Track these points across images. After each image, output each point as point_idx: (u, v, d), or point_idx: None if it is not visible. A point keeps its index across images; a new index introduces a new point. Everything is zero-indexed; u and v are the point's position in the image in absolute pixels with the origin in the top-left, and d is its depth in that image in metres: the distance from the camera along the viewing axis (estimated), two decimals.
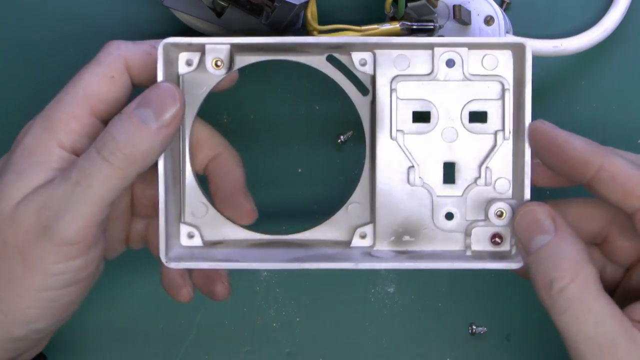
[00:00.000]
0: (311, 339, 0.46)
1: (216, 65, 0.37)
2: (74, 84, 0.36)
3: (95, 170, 0.33)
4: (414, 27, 0.43)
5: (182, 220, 0.39)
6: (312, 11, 0.42)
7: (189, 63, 0.38)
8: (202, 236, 0.38)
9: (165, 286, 0.39)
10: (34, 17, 0.47)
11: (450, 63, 0.37)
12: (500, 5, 0.45)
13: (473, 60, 0.37)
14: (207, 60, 0.37)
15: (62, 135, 0.35)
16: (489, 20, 0.42)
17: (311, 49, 0.38)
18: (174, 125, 0.34)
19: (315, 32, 0.42)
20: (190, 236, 0.38)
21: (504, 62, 0.37)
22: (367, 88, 0.38)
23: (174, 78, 0.38)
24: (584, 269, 0.32)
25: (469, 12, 0.42)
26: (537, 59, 0.45)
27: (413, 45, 0.37)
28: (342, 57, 0.38)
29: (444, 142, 0.37)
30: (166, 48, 0.36)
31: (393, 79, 0.37)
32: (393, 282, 0.46)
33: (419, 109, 0.37)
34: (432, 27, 0.43)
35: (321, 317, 0.46)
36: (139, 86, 0.37)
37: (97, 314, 0.46)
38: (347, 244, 0.38)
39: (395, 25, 0.42)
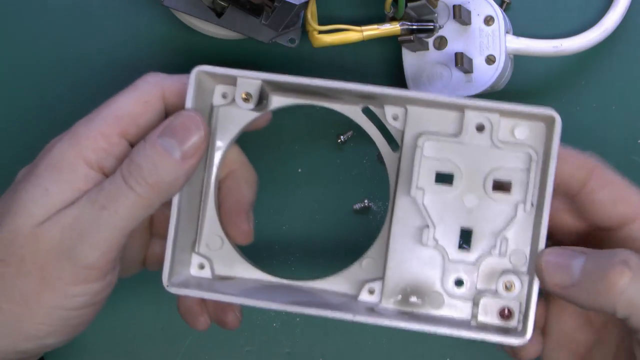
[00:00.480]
0: (311, 339, 0.46)
1: (245, 99, 0.36)
2: (107, 105, 0.36)
3: (121, 197, 0.33)
4: (414, 27, 0.43)
5: (196, 250, 0.38)
6: (312, 11, 0.42)
7: (224, 96, 0.37)
8: (212, 269, 0.38)
9: (182, 313, 0.39)
10: (33, 15, 0.47)
11: (480, 127, 0.36)
12: (500, 5, 0.45)
13: (504, 128, 0.36)
14: (237, 93, 0.36)
15: (89, 152, 0.35)
16: (489, 20, 0.42)
17: (344, 95, 0.37)
18: (198, 156, 0.35)
19: (315, 32, 0.42)
20: (201, 267, 0.38)
21: (535, 133, 0.36)
22: (398, 144, 0.37)
23: (207, 108, 0.37)
24: None
25: (469, 12, 0.42)
26: (537, 59, 0.45)
27: (445, 104, 0.36)
28: (376, 110, 0.37)
29: (464, 207, 0.36)
30: (199, 76, 0.35)
31: (420, 135, 0.36)
32: None
33: (443, 169, 0.36)
34: (432, 27, 0.43)
35: (321, 317, 0.46)
36: (171, 113, 0.36)
37: (97, 314, 0.46)
38: (354, 297, 0.38)
39: (395, 26, 0.43)
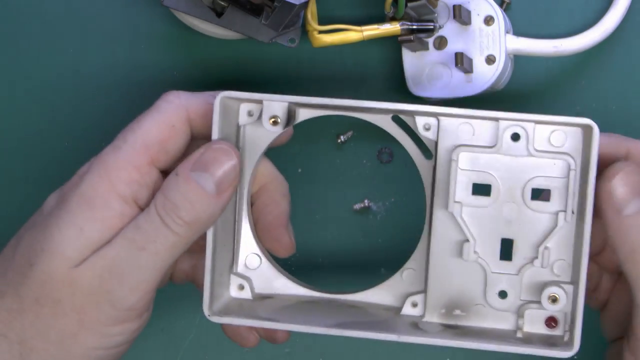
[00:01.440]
0: (311, 339, 0.46)
1: (273, 123, 0.36)
2: (133, 130, 0.35)
3: (160, 237, 0.33)
4: (414, 27, 0.43)
5: (234, 271, 0.38)
6: (312, 11, 0.42)
7: (250, 114, 0.37)
8: (252, 289, 0.38)
9: (230, 335, 0.39)
10: (32, 15, 0.47)
11: (515, 137, 0.35)
12: (500, 5, 0.45)
13: (539, 135, 0.35)
14: (264, 116, 0.36)
15: (122, 186, 0.34)
16: (489, 20, 0.42)
17: (373, 112, 0.37)
18: (232, 188, 0.34)
19: (315, 32, 0.42)
20: (241, 288, 0.38)
21: (572, 140, 0.35)
22: (431, 152, 0.37)
23: (234, 128, 0.37)
24: None
25: (469, 12, 0.42)
26: (537, 59, 0.45)
27: (478, 116, 0.35)
28: (407, 119, 0.37)
29: (503, 218, 0.36)
30: (224, 101, 0.35)
31: (455, 148, 0.36)
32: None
33: (479, 181, 0.36)
34: (432, 27, 0.43)
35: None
36: (198, 138, 0.36)
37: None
38: (397, 310, 0.37)
39: (396, 26, 0.42)
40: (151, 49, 0.46)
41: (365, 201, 0.46)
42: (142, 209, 0.34)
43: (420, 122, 0.36)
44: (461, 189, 0.36)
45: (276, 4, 0.40)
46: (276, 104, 0.35)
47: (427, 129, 0.36)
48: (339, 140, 0.46)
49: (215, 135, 0.35)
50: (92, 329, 0.33)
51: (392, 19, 0.43)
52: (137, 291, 0.33)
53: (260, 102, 0.36)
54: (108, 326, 0.33)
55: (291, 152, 0.46)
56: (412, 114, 0.36)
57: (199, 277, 0.39)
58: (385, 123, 0.37)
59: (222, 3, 0.42)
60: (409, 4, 0.42)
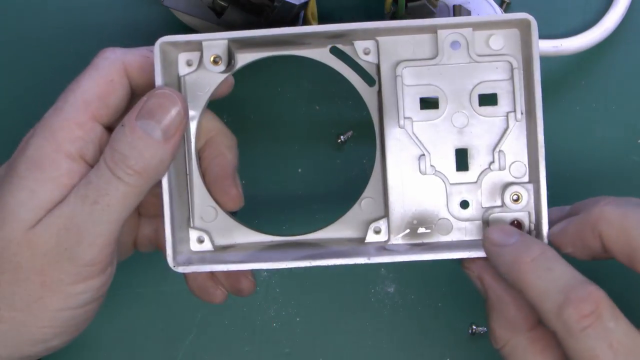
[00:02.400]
0: (311, 339, 0.46)
1: (215, 62, 0.36)
2: (72, 90, 0.35)
3: (111, 189, 0.33)
4: None
5: (191, 225, 0.38)
6: (312, 11, 0.42)
7: (189, 63, 0.37)
8: (212, 241, 0.38)
9: (195, 291, 0.39)
10: (32, 15, 0.47)
11: (455, 45, 0.36)
12: (500, 5, 0.45)
13: (479, 41, 0.36)
14: (205, 57, 0.36)
15: (68, 144, 0.34)
16: None
17: (312, 40, 0.37)
18: (180, 133, 0.34)
19: None
20: (200, 241, 0.38)
21: (510, 41, 0.36)
22: (373, 78, 0.37)
23: (175, 80, 0.37)
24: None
25: (469, 12, 0.42)
26: None
27: (415, 28, 0.36)
28: (345, 48, 0.37)
29: (455, 128, 0.36)
30: (163, 48, 0.35)
31: (397, 64, 0.36)
32: (393, 282, 0.46)
33: (426, 94, 0.36)
34: None
35: (321, 317, 0.46)
36: (138, 91, 0.36)
37: (97, 314, 0.46)
38: (361, 240, 0.38)
39: None
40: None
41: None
42: (91, 165, 0.34)
43: (359, 47, 0.37)
44: (409, 105, 0.36)
45: (276, 4, 0.40)
46: (216, 42, 0.35)
47: (367, 53, 0.37)
48: (339, 140, 0.46)
49: (158, 82, 0.35)
50: (55, 290, 0.33)
51: (392, 18, 0.43)
52: (94, 246, 0.33)
53: (197, 50, 0.36)
54: (71, 284, 0.34)
55: (291, 152, 0.46)
56: (350, 34, 0.36)
57: (162, 241, 0.40)
58: (324, 56, 0.38)
59: (222, 3, 0.42)
60: (409, 4, 0.42)
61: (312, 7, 0.42)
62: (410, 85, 0.36)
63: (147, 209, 0.40)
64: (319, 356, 0.46)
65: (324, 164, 0.46)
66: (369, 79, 0.38)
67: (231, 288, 0.39)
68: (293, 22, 0.43)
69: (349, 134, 0.46)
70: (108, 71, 0.35)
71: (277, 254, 0.37)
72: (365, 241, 0.37)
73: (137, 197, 0.34)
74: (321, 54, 0.38)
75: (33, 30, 0.46)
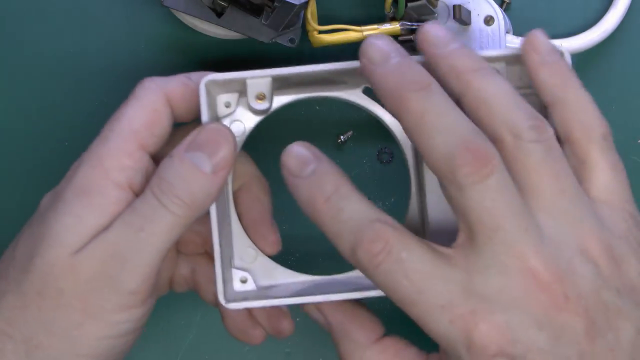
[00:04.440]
0: (311, 339, 0.46)
1: (259, 98, 0.36)
2: (118, 119, 0.35)
3: (157, 217, 0.33)
4: (414, 27, 0.43)
5: (234, 265, 0.37)
6: (312, 11, 0.42)
7: (227, 105, 0.37)
8: (255, 280, 0.37)
9: (233, 332, 0.38)
10: (33, 17, 0.47)
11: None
12: (500, 5, 0.45)
13: (512, 76, 0.36)
14: (250, 93, 0.35)
15: (116, 173, 0.34)
16: (489, 20, 0.42)
17: (349, 78, 0.37)
18: (228, 169, 0.34)
19: (315, 32, 0.42)
20: (243, 281, 0.37)
21: None
22: None
23: (214, 119, 0.37)
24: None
25: (469, 12, 0.42)
26: None
27: None
28: None
29: None
30: (207, 85, 0.35)
31: None
32: None
33: None
34: None
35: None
36: (179, 120, 0.36)
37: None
38: None
39: (396, 26, 0.43)
40: (151, 49, 0.46)
41: None
42: (137, 194, 0.34)
43: None
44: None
45: (276, 4, 0.40)
46: (259, 80, 0.35)
47: None
48: (339, 140, 0.46)
49: (204, 118, 0.35)
50: (96, 317, 0.33)
51: (392, 19, 0.43)
52: (138, 274, 0.33)
53: (235, 91, 0.36)
54: (112, 313, 0.33)
55: None
56: None
57: (202, 280, 0.39)
58: (358, 97, 0.37)
59: (222, 3, 0.42)
60: (409, 4, 0.42)
61: (312, 7, 0.42)
62: None
63: (186, 246, 0.39)
64: (319, 356, 0.46)
65: None
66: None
67: (271, 329, 0.39)
68: (293, 22, 0.43)
69: (349, 134, 0.46)
70: (151, 100, 0.35)
71: (322, 288, 0.36)
72: None
73: (181, 228, 0.33)
74: (355, 95, 0.37)
75: (32, 30, 0.46)
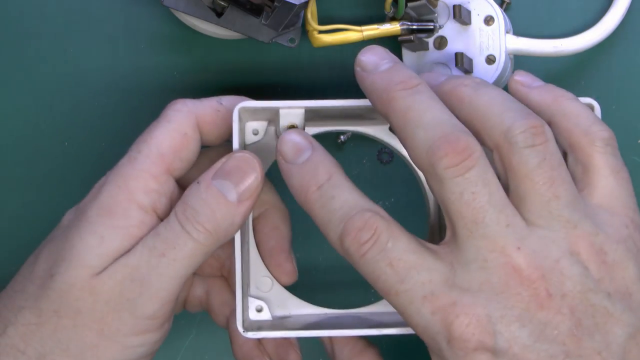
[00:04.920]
0: (311, 339, 0.46)
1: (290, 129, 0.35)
2: (146, 141, 0.35)
3: (180, 244, 0.33)
4: (414, 27, 0.43)
5: (250, 294, 0.37)
6: (312, 11, 0.42)
7: (254, 132, 0.37)
8: (270, 310, 0.37)
9: (240, 357, 0.38)
10: (33, 15, 0.47)
11: None
12: (500, 5, 0.45)
13: None
14: (282, 124, 0.35)
15: (141, 195, 0.34)
16: (489, 20, 0.42)
17: (378, 114, 0.37)
18: (253, 199, 0.34)
19: (315, 32, 0.42)
20: (259, 310, 0.37)
21: None
22: None
23: (242, 147, 0.36)
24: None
25: (469, 12, 0.42)
26: (537, 59, 0.45)
27: None
28: None
29: None
30: (240, 112, 0.34)
31: None
32: None
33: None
34: (432, 27, 0.43)
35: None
36: (207, 144, 0.36)
37: None
38: None
39: (396, 26, 0.43)
40: (151, 49, 0.46)
41: None
42: (161, 218, 0.34)
43: None
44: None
45: (276, 4, 0.40)
46: (293, 111, 0.35)
47: None
48: (339, 140, 0.46)
49: (235, 144, 0.35)
50: (113, 340, 0.33)
51: (392, 19, 0.43)
52: (157, 299, 0.33)
53: (264, 119, 0.36)
54: (129, 336, 0.33)
55: None
56: None
57: (212, 303, 0.39)
58: (384, 134, 0.38)
59: (222, 3, 0.42)
60: (409, 4, 0.42)
61: (312, 7, 0.42)
62: None
63: (202, 268, 0.39)
64: (319, 356, 0.46)
65: None
66: None
67: (278, 359, 0.39)
68: (293, 22, 0.43)
69: (349, 134, 0.46)
70: (181, 124, 0.35)
71: (338, 322, 0.37)
72: None
73: (203, 255, 0.33)
74: (381, 132, 0.37)
75: (31, 29, 0.46)
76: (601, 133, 0.32)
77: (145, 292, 0.33)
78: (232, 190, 0.33)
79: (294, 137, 0.33)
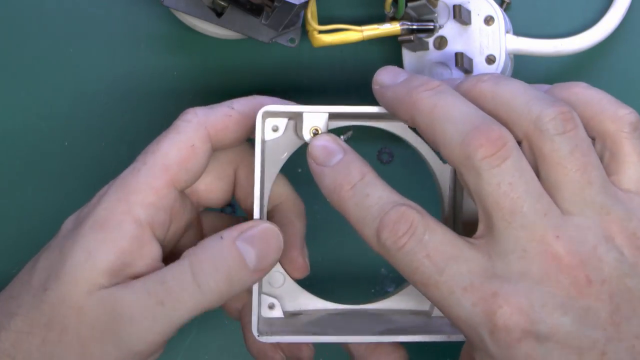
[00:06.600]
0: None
1: (314, 134, 0.35)
2: (152, 152, 0.34)
3: (185, 296, 0.32)
4: (414, 27, 0.43)
5: (263, 291, 0.37)
6: (312, 11, 0.42)
7: (274, 129, 0.36)
8: (282, 307, 0.37)
9: (253, 352, 0.38)
10: (33, 15, 0.47)
11: None
12: (500, 5, 0.45)
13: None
14: (305, 128, 0.35)
15: (139, 209, 0.33)
16: (489, 20, 0.42)
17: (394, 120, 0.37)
18: (269, 270, 0.34)
19: (315, 32, 0.42)
20: (271, 307, 0.37)
21: None
22: None
23: (259, 144, 0.36)
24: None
25: (469, 12, 0.42)
26: (537, 59, 0.45)
27: None
28: None
29: None
30: (264, 116, 0.34)
31: None
32: (393, 282, 0.46)
33: None
34: (432, 27, 0.43)
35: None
36: (219, 149, 0.36)
37: None
38: (426, 313, 0.37)
39: (396, 26, 0.43)
40: (151, 49, 0.46)
41: None
42: (155, 233, 0.34)
43: None
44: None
45: (276, 4, 0.40)
46: (316, 115, 0.35)
47: None
48: None
49: (258, 155, 0.34)
50: None
51: (392, 19, 0.43)
52: (145, 341, 0.32)
53: (285, 116, 0.36)
54: None
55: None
56: None
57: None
58: (402, 131, 0.37)
59: (222, 3, 0.42)
60: (409, 4, 0.42)
61: (312, 7, 0.42)
62: None
63: None
64: (319, 356, 0.46)
65: None
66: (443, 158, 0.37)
67: (291, 355, 0.38)
68: (293, 22, 0.43)
69: (349, 134, 0.46)
70: (190, 136, 0.35)
71: (351, 324, 0.36)
72: (433, 315, 0.37)
73: (203, 310, 0.33)
74: (400, 128, 0.37)
75: (31, 29, 0.46)
76: (628, 117, 0.32)
77: (134, 332, 0.32)
78: (253, 259, 0.33)
79: (325, 142, 0.34)
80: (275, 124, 0.36)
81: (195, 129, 0.35)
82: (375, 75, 0.34)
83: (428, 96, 0.31)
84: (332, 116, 0.36)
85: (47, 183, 0.46)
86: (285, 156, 0.37)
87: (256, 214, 0.34)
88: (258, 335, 0.35)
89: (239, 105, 0.36)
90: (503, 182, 0.29)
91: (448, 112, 0.31)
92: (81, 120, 0.46)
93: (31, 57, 0.46)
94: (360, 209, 0.31)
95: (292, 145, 0.37)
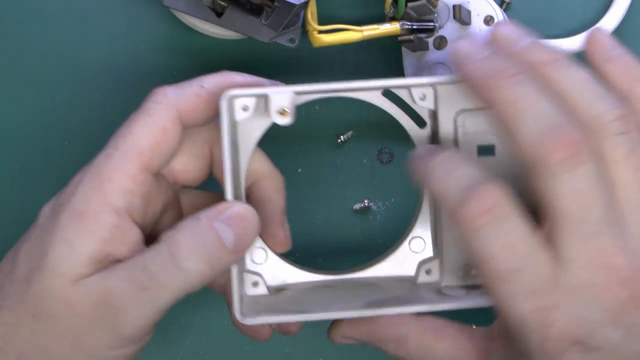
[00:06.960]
0: (311, 339, 0.46)
1: (281, 113, 0.35)
2: (124, 137, 0.34)
3: (168, 280, 0.32)
4: (414, 27, 0.43)
5: (245, 268, 0.37)
6: (312, 11, 0.42)
7: (244, 109, 0.36)
8: (266, 283, 0.37)
9: (242, 329, 0.38)
10: (32, 17, 0.47)
11: None
12: (500, 5, 0.45)
13: None
14: (273, 109, 0.35)
15: (115, 197, 0.33)
16: (489, 20, 0.42)
17: (368, 90, 0.37)
18: (246, 251, 0.34)
19: (315, 32, 0.42)
20: (255, 284, 0.37)
21: None
22: (424, 121, 0.37)
23: (233, 128, 0.36)
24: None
25: (469, 12, 0.42)
26: None
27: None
28: (399, 92, 0.36)
29: (511, 176, 0.34)
30: (229, 100, 0.34)
31: (459, 114, 0.36)
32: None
33: (483, 142, 0.36)
34: (432, 27, 0.43)
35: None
36: (191, 127, 0.36)
37: None
38: (411, 279, 0.37)
39: (396, 26, 0.43)
40: (151, 49, 0.46)
41: (365, 201, 0.46)
42: (134, 219, 0.34)
43: (416, 93, 0.36)
44: (467, 153, 0.36)
45: (276, 4, 0.40)
46: (282, 95, 0.35)
47: (423, 99, 0.36)
48: (339, 140, 0.46)
49: (225, 136, 0.34)
50: (86, 353, 0.33)
51: (392, 19, 0.43)
52: (133, 326, 0.33)
53: (254, 96, 0.35)
54: (104, 350, 0.33)
55: (291, 152, 0.46)
56: (409, 87, 0.36)
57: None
58: (377, 99, 0.37)
59: (222, 3, 0.42)
60: (409, 4, 0.42)
61: (312, 7, 0.42)
62: (469, 132, 0.36)
63: None
64: (319, 356, 0.46)
65: (324, 164, 0.46)
66: (419, 121, 0.37)
67: (280, 329, 0.39)
68: (293, 22, 0.43)
69: (349, 134, 0.46)
70: (161, 118, 0.34)
71: (336, 298, 0.36)
72: (418, 282, 0.37)
73: (186, 293, 0.33)
74: (374, 96, 0.37)
75: (31, 29, 0.47)
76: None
77: (122, 319, 0.32)
78: (231, 239, 0.33)
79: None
80: (245, 103, 0.36)
81: (166, 111, 0.34)
82: (456, 45, 0.32)
83: (511, 84, 0.30)
84: (299, 93, 0.36)
85: (47, 183, 0.46)
86: (258, 134, 0.37)
87: (228, 195, 0.34)
88: (242, 318, 0.34)
89: (209, 83, 0.35)
90: (576, 188, 0.29)
91: (530, 106, 0.30)
92: (81, 120, 0.46)
93: (31, 58, 0.46)
94: (443, 182, 0.31)
95: (264, 123, 0.36)
